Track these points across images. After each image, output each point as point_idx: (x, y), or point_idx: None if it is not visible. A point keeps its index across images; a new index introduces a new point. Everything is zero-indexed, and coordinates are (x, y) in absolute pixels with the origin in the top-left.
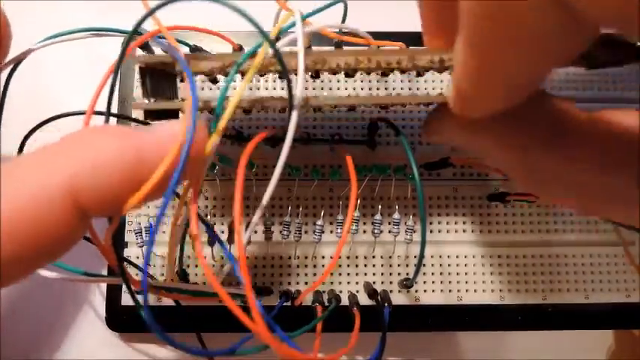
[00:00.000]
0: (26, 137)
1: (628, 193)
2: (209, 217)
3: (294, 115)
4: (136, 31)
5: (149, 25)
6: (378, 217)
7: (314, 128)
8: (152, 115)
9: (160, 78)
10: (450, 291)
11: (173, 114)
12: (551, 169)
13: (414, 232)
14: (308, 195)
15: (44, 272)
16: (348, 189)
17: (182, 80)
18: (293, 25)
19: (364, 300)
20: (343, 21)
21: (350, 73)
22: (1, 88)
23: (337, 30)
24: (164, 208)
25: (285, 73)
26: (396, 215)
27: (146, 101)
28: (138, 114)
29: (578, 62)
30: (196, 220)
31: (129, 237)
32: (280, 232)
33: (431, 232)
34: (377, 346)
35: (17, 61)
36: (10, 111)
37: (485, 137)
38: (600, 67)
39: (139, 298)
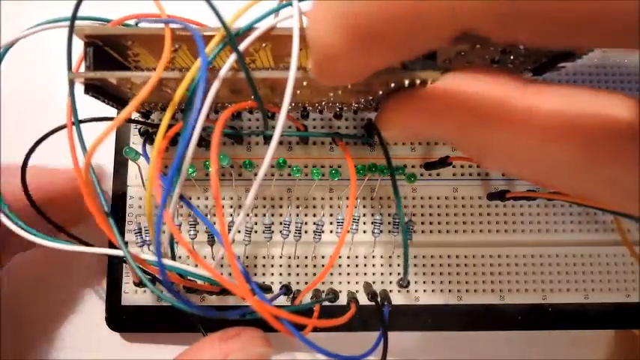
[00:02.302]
0: (35, 145)
1: (573, 166)
2: (208, 216)
3: (289, 92)
4: (75, 16)
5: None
6: (377, 216)
7: (314, 128)
8: (93, 89)
9: (110, 62)
10: (449, 291)
11: (114, 97)
12: (502, 144)
13: (414, 231)
14: (308, 195)
15: (43, 242)
16: (348, 189)
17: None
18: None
19: (364, 300)
20: None
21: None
22: None
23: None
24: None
25: (239, 55)
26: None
27: (83, 71)
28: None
29: (524, 70)
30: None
31: (128, 237)
32: (280, 231)
33: (431, 232)
34: (374, 343)
35: (6, 48)
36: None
37: (449, 121)
38: (546, 72)
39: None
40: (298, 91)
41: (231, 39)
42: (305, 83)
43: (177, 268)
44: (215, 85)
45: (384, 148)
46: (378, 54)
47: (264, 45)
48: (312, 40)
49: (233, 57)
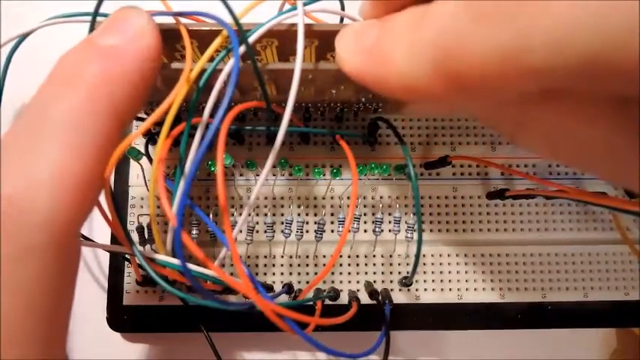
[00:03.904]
0: None
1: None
2: (211, 216)
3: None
4: (97, 13)
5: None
6: (379, 215)
7: (314, 128)
8: None
9: None
10: (450, 289)
11: None
12: (548, 122)
13: (415, 230)
14: (309, 194)
15: None
16: (350, 188)
17: None
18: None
19: (365, 299)
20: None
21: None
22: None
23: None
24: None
25: (248, 47)
26: (397, 214)
27: None
28: None
29: None
30: None
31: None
32: (282, 231)
33: (431, 231)
34: (376, 342)
35: (22, 37)
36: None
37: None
38: None
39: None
40: (303, 88)
41: (243, 35)
42: (310, 77)
43: (195, 271)
44: (220, 82)
45: (405, 150)
46: (457, 98)
47: (270, 42)
48: (392, 66)
49: (242, 49)
